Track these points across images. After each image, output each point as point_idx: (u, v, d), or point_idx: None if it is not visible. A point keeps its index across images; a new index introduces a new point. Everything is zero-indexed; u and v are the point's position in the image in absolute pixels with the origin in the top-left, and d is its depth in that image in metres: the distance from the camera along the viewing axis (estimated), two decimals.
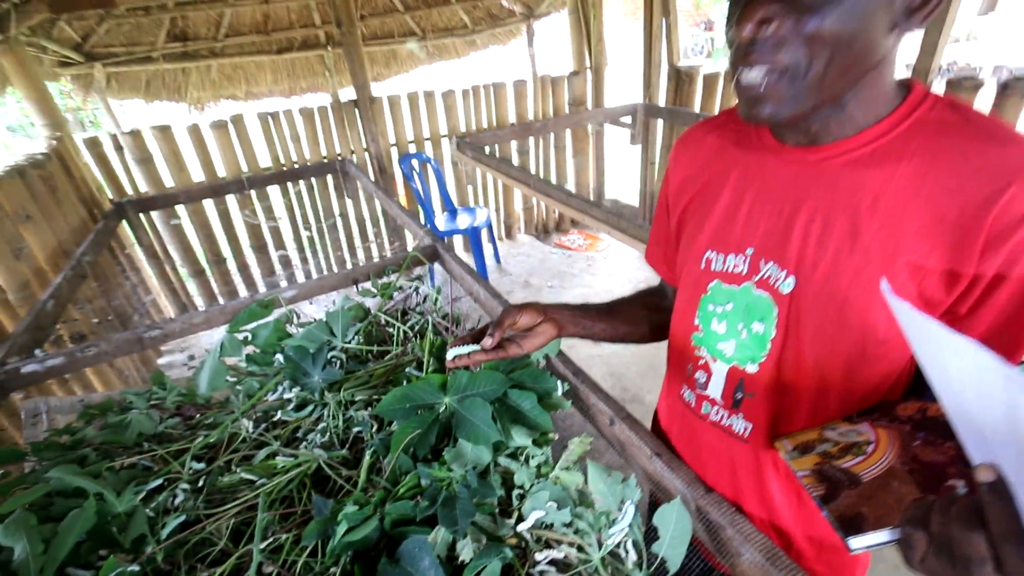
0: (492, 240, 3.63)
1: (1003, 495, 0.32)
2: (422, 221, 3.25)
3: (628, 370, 2.26)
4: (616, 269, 3.39)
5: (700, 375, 0.67)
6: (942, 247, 0.48)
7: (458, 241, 3.82)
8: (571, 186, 4.00)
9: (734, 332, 0.62)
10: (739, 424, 0.64)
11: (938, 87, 1.76)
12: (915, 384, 0.60)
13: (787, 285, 0.56)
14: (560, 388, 0.79)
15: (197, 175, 2.85)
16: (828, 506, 0.44)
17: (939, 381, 0.35)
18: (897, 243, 0.49)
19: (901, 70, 0.54)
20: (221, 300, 3.15)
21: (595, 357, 2.34)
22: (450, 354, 0.67)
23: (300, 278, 3.44)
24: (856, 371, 0.55)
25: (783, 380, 0.59)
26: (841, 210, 0.52)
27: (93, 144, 2.59)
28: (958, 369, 0.31)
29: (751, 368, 0.61)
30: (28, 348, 1.21)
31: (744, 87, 0.49)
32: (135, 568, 0.67)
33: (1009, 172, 0.45)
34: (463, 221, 3.21)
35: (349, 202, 3.25)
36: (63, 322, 1.59)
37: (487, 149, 2.82)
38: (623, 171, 6.03)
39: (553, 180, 3.88)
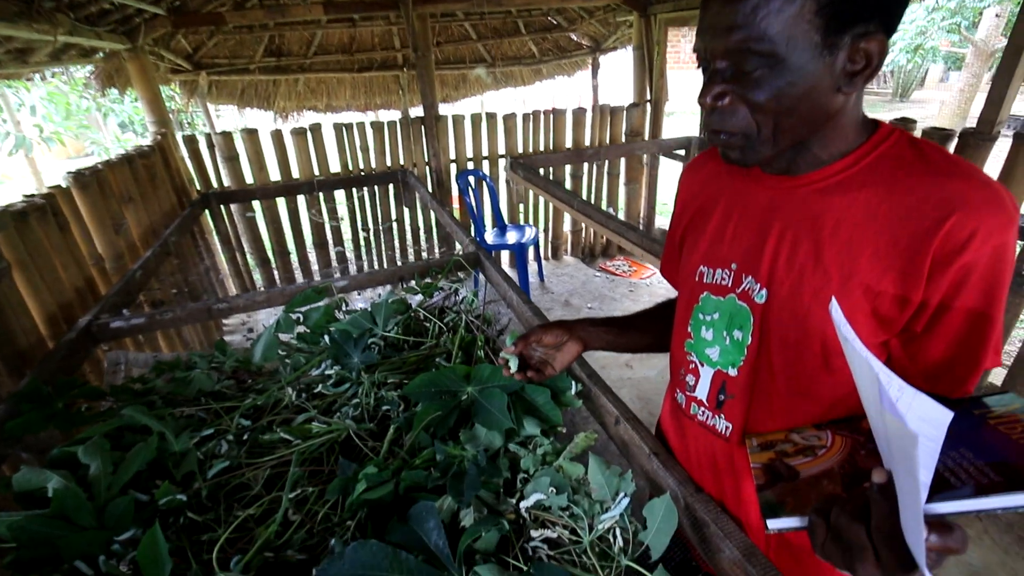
0: (538, 258, 3.71)
1: (888, 497, 0.36)
2: (472, 233, 3.40)
3: (658, 396, 2.24)
4: (658, 297, 3.37)
5: (690, 378, 0.72)
6: (894, 270, 0.52)
7: (505, 256, 3.93)
8: (621, 213, 4.03)
9: (719, 339, 0.67)
10: (721, 424, 0.69)
11: (1006, 140, 1.69)
12: None
13: (761, 296, 0.61)
14: (574, 388, 0.84)
15: (274, 175, 3.12)
16: (761, 493, 0.49)
17: (860, 393, 0.38)
18: (854, 265, 0.54)
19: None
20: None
21: (625, 380, 2.33)
22: (503, 353, 0.76)
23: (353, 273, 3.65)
24: (820, 380, 0.60)
25: (757, 384, 0.64)
26: (806, 233, 0.57)
27: (190, 141, 2.90)
28: (864, 381, 0.35)
29: (732, 372, 0.66)
30: (117, 308, 1.38)
31: (713, 140, 0.58)
32: (183, 497, 0.76)
33: (952, 203, 0.49)
34: (511, 237, 3.31)
35: (406, 210, 3.43)
36: (148, 290, 1.79)
37: (541, 172, 2.92)
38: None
39: (604, 206, 3.93)
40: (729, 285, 0.65)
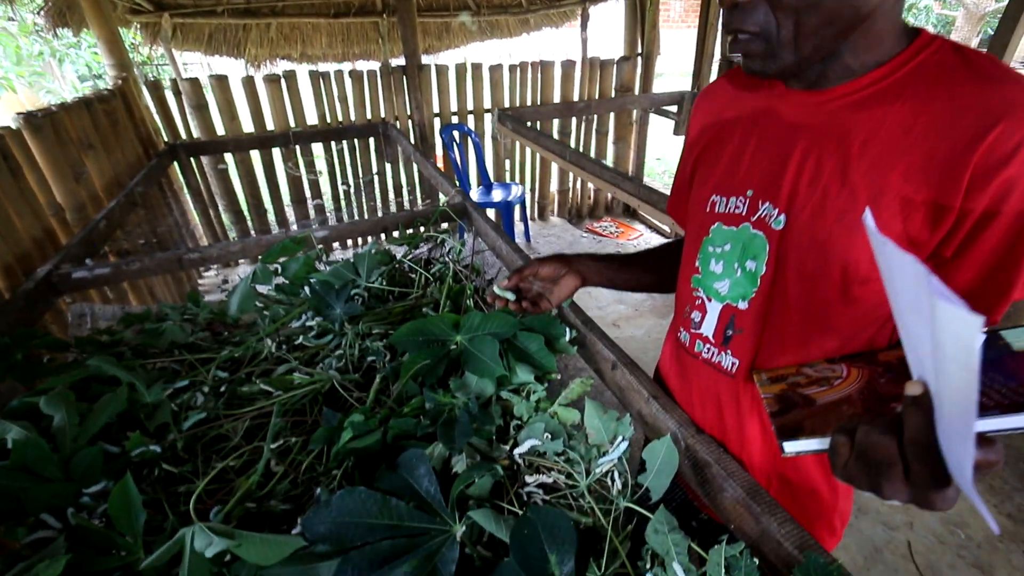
0: (524, 218, 3.64)
1: (924, 409, 0.34)
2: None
3: (646, 355, 2.26)
4: None
5: (696, 315, 0.70)
6: (929, 186, 0.48)
7: (490, 215, 3.85)
8: None
9: (730, 272, 0.64)
10: (727, 360, 0.66)
11: None
12: None
13: (778, 223, 0.58)
14: (568, 334, 0.81)
15: (247, 126, 2.96)
16: (775, 418, 0.46)
17: (895, 304, 0.36)
18: (884, 183, 0.50)
19: None
20: None
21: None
22: (496, 289, 0.73)
23: None
24: (837, 311, 0.57)
25: (770, 316, 0.61)
26: (833, 151, 0.53)
27: (154, 87, 2.72)
28: (904, 287, 0.32)
29: (742, 305, 0.63)
30: (79, 258, 1.29)
31: (733, 48, 0.53)
32: (157, 448, 0.72)
33: (998, 110, 0.45)
34: (497, 195, 3.23)
35: (388, 166, 3.31)
36: (112, 241, 1.69)
37: (528, 124, 2.83)
38: (663, 164, 5.95)
39: None
40: (743, 214, 0.61)
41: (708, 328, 0.68)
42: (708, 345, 0.68)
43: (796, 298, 0.58)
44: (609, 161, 3.88)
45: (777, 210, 0.58)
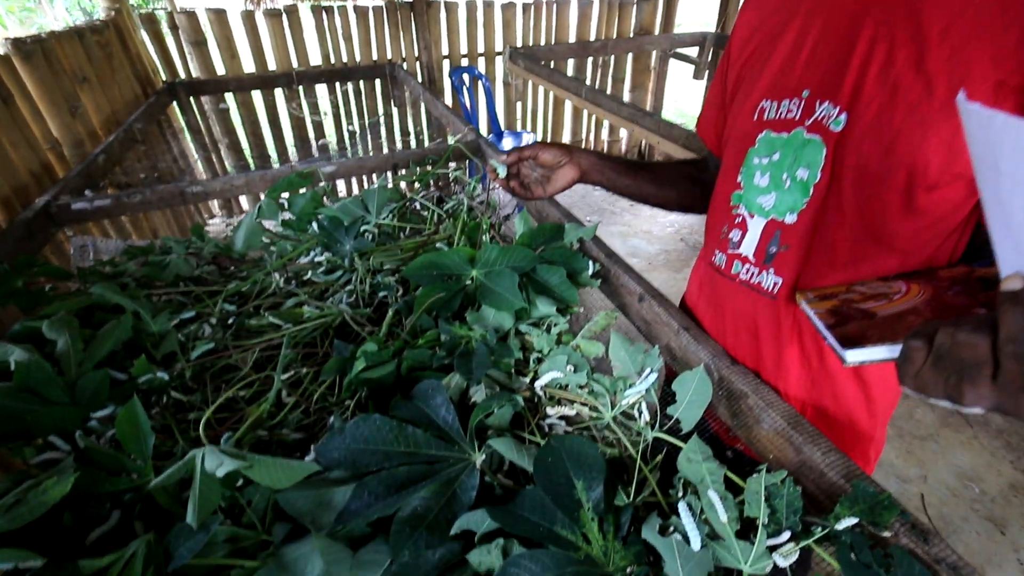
0: None
1: (1022, 304, 0.30)
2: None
3: None
4: (660, 211, 3.27)
5: (735, 234, 0.65)
6: (1022, 73, 0.42)
7: None
8: None
9: (777, 184, 0.59)
10: (769, 280, 0.62)
11: None
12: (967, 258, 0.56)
13: (838, 123, 0.52)
14: (591, 268, 0.76)
15: (248, 65, 2.83)
16: (834, 330, 0.42)
17: (991, 191, 0.32)
18: (968, 71, 0.44)
19: None
20: None
21: None
22: (492, 161, 0.71)
23: None
24: (897, 223, 0.52)
25: (821, 229, 0.57)
26: (907, 38, 0.47)
27: (149, 20, 2.58)
28: (1016, 163, 0.28)
29: (789, 218, 0.58)
30: (79, 191, 1.25)
31: None
32: (164, 376, 0.70)
33: None
34: (508, 144, 3.12)
35: (395, 109, 3.18)
36: (111, 176, 1.64)
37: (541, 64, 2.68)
38: (682, 115, 5.73)
39: None
40: (797, 118, 0.55)
41: (748, 247, 0.63)
42: (747, 265, 0.64)
43: (853, 208, 0.53)
44: None
45: (837, 109, 0.52)
